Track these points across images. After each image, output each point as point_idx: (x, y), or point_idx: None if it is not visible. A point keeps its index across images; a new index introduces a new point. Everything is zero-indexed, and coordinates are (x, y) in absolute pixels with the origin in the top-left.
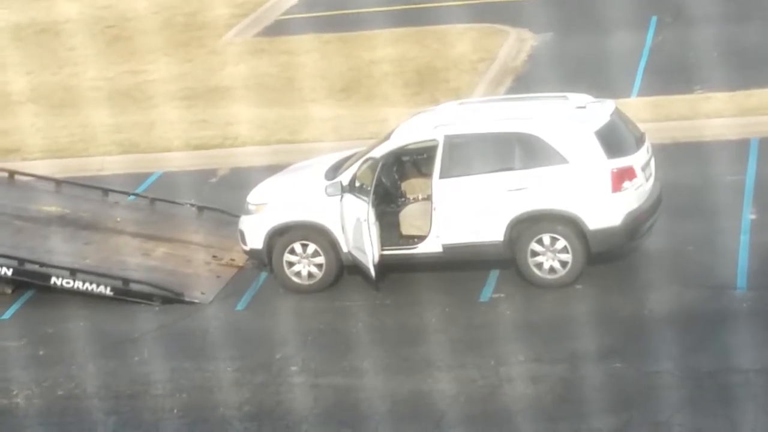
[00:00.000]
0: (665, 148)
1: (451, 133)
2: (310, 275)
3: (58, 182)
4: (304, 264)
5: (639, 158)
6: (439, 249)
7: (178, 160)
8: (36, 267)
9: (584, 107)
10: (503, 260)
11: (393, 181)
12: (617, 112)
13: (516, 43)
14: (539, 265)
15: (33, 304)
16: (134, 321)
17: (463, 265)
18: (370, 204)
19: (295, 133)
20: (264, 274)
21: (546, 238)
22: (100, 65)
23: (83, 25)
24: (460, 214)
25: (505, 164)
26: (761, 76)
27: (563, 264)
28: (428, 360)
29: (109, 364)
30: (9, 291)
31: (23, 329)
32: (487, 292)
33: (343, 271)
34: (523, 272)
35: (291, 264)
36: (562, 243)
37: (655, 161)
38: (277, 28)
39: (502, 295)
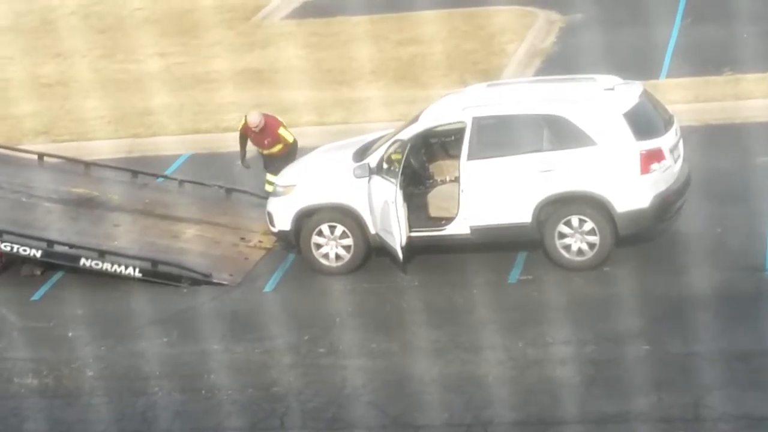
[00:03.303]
0: (694, 130)
1: (479, 114)
2: (338, 257)
3: (87, 164)
4: (331, 246)
5: (667, 140)
6: (467, 231)
7: (207, 142)
8: (65, 248)
9: (612, 89)
10: (531, 242)
11: (421, 162)
12: (645, 94)
13: (545, 25)
14: (567, 247)
15: (62, 286)
16: (163, 302)
17: (490, 246)
18: (398, 186)
19: (325, 115)
20: (292, 256)
21: (574, 220)
22: (127, 48)
23: (112, 6)
24: (488, 195)
25: (533, 146)
26: None
27: (591, 246)
28: (456, 341)
29: (138, 345)
30: (38, 272)
31: (53, 310)
32: (515, 274)
33: (371, 252)
34: (550, 254)
35: (319, 246)
36: (590, 225)
37: (684, 143)
38: (306, 11)
39: (530, 277)
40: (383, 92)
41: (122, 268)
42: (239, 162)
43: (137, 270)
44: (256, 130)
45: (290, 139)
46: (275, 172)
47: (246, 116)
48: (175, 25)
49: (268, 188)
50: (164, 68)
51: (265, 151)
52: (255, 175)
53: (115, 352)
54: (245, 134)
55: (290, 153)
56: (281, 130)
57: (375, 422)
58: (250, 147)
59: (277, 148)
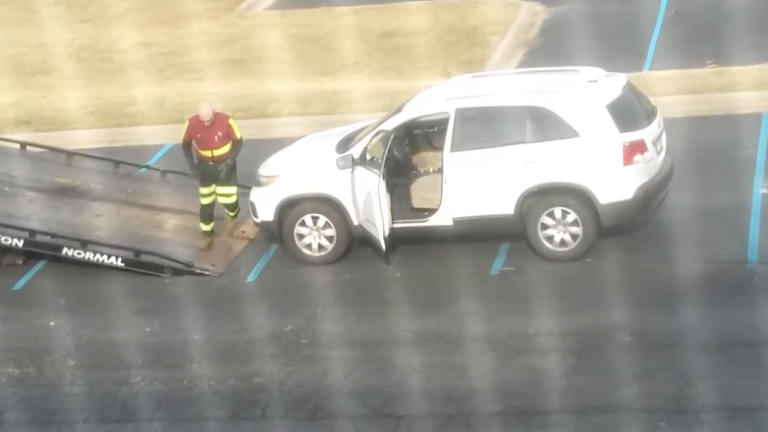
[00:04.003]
0: (677, 121)
1: (462, 106)
2: (321, 247)
3: (70, 154)
4: (314, 236)
5: (650, 132)
6: (450, 222)
7: None
8: (47, 238)
9: (596, 81)
10: (514, 233)
11: (404, 153)
12: (629, 86)
13: (528, 16)
14: (550, 238)
15: (44, 275)
16: (145, 292)
17: (473, 238)
18: (381, 177)
19: (308, 106)
20: (274, 246)
21: (557, 212)
22: (111, 37)
23: None
24: (471, 187)
25: (516, 138)
26: None
27: (574, 237)
28: (438, 332)
29: (120, 335)
30: (20, 262)
31: (35, 300)
32: (498, 265)
33: (354, 243)
34: (533, 245)
35: (302, 236)
36: (572, 216)
37: (667, 135)
38: (290, 1)
39: (513, 268)
40: (366, 83)
41: (104, 257)
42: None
43: (120, 259)
44: (207, 123)
45: (238, 135)
46: (215, 182)
47: (199, 110)
48: (159, 15)
49: (205, 201)
50: (147, 58)
51: (215, 152)
52: (241, 165)
53: (97, 342)
54: (191, 137)
55: (234, 163)
56: (231, 122)
57: (356, 413)
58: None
59: (227, 147)
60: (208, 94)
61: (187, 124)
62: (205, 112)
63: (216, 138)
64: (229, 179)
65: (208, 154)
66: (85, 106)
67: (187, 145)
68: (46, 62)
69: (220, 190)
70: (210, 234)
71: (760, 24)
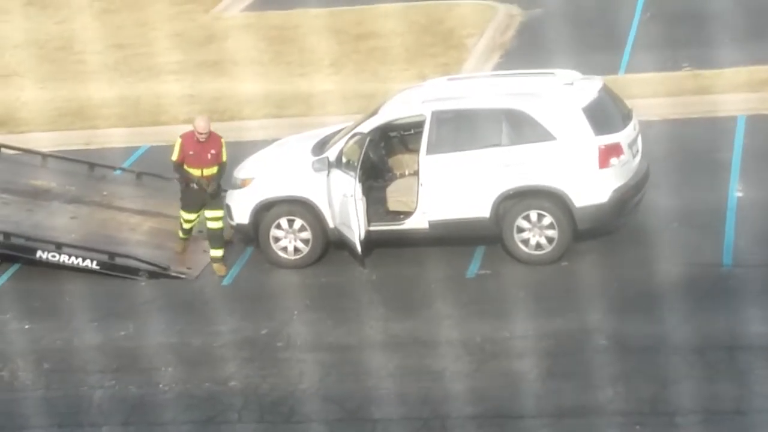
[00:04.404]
0: (652, 125)
1: (438, 108)
2: (296, 250)
3: (45, 156)
4: (290, 239)
5: (626, 135)
6: (426, 225)
7: (166, 134)
8: (22, 241)
9: (572, 84)
10: (490, 236)
11: (380, 156)
12: (605, 89)
13: (504, 19)
14: (526, 242)
15: (19, 278)
16: (120, 295)
17: (449, 241)
18: (357, 179)
19: (284, 108)
20: (250, 249)
21: (533, 215)
22: (86, 38)
23: None
24: (447, 190)
25: (492, 140)
26: (749, 54)
27: (550, 240)
28: (414, 336)
29: (95, 338)
30: None
31: (9, 303)
32: (474, 269)
33: (330, 246)
34: (509, 248)
35: (277, 239)
36: (548, 219)
37: (643, 138)
38: (265, 3)
39: (489, 271)
40: (342, 85)
41: (79, 260)
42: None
43: (95, 262)
44: (203, 138)
45: (225, 158)
46: (201, 207)
47: (196, 124)
48: (134, 17)
49: (186, 226)
50: (122, 60)
51: (206, 171)
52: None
53: (72, 345)
54: (184, 155)
55: (219, 186)
56: (223, 141)
57: (332, 416)
58: None
59: (215, 168)
60: (183, 96)
61: (178, 141)
62: (204, 125)
63: (209, 156)
64: (217, 201)
65: (197, 173)
66: (59, 108)
67: (179, 165)
68: (20, 64)
69: (209, 214)
70: (186, 239)
71: (736, 27)
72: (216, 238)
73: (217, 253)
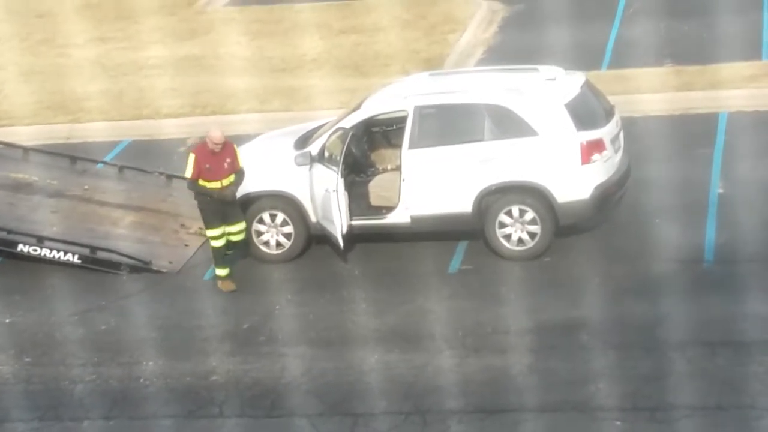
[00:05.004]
0: (634, 121)
1: (421, 103)
2: (279, 245)
3: (26, 150)
4: (272, 233)
5: (608, 131)
6: (408, 220)
7: (148, 129)
8: (3, 234)
9: (554, 79)
10: (472, 232)
11: (362, 151)
12: (587, 85)
13: (487, 15)
14: (507, 237)
15: (0, 272)
16: (101, 289)
17: (431, 236)
18: (339, 174)
19: (266, 103)
20: None
21: (515, 210)
22: (68, 32)
23: None
24: (429, 185)
25: (474, 136)
26: (731, 50)
27: (532, 236)
28: (396, 330)
29: (77, 332)
30: None
31: None
32: (456, 264)
33: (312, 240)
34: (491, 244)
35: (259, 233)
36: (530, 215)
37: (625, 134)
38: None
39: (471, 266)
40: (325, 80)
41: (61, 254)
42: (180, 148)
43: (76, 256)
44: (218, 148)
45: (242, 163)
46: (223, 221)
47: (210, 135)
48: (116, 11)
49: (217, 244)
50: (104, 54)
51: (224, 182)
52: None
53: (53, 339)
54: (199, 170)
55: (236, 194)
56: (236, 148)
57: (314, 410)
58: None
59: (233, 177)
60: (166, 90)
61: (192, 157)
62: (220, 135)
63: (225, 165)
64: (237, 212)
65: (216, 186)
66: (41, 101)
67: (195, 182)
68: (2, 56)
69: (231, 228)
70: (228, 277)
71: (717, 24)
72: (217, 253)
73: (222, 272)
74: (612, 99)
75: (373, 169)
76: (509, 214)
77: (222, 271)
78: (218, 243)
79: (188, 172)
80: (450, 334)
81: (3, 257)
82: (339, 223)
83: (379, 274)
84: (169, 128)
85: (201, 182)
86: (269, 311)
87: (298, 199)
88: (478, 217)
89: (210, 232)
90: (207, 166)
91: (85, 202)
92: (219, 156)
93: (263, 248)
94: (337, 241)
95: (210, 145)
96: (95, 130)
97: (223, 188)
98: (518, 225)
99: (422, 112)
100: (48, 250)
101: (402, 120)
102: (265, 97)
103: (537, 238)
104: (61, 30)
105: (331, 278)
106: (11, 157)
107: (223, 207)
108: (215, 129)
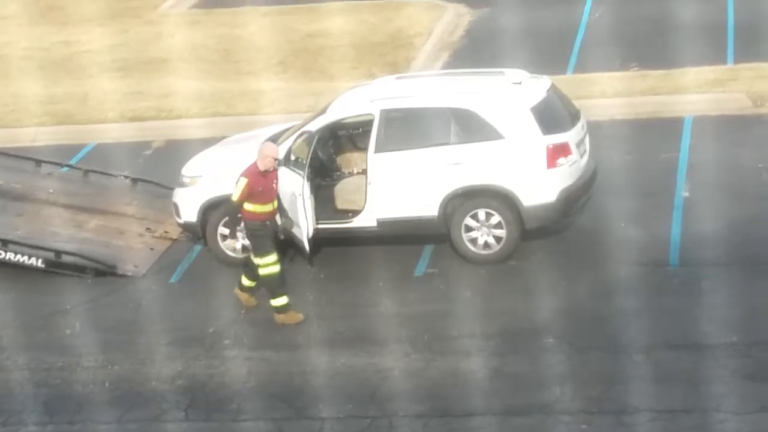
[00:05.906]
0: (600, 125)
1: (386, 107)
2: (245, 249)
3: None
4: (238, 237)
5: (574, 135)
6: (374, 223)
7: (113, 132)
8: None
9: (520, 83)
10: (438, 235)
11: (328, 155)
12: (553, 89)
13: (453, 18)
14: (473, 241)
15: None
16: (66, 293)
17: (397, 239)
18: (306, 178)
19: (231, 106)
20: (198, 247)
21: (481, 214)
22: (32, 34)
23: None
24: (395, 188)
25: (440, 139)
26: (696, 54)
27: (497, 239)
28: (362, 334)
29: (41, 336)
30: None
31: None
32: (422, 267)
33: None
34: (457, 247)
35: (225, 237)
36: (496, 218)
37: (590, 138)
38: (213, 1)
39: (436, 270)
40: (291, 83)
41: (25, 258)
42: (146, 152)
43: (40, 260)
44: (273, 167)
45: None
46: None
47: (266, 152)
48: (81, 13)
49: (276, 269)
50: (69, 56)
51: (275, 204)
52: (161, 166)
53: (17, 343)
54: (251, 195)
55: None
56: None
57: (280, 414)
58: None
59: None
60: (130, 94)
61: (244, 182)
62: (275, 151)
63: (274, 185)
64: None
65: (269, 208)
66: (5, 105)
67: (239, 206)
68: None
69: (261, 259)
70: (287, 307)
71: (683, 28)
72: (276, 281)
73: (282, 300)
74: (578, 103)
75: (339, 173)
76: (475, 217)
77: (284, 299)
78: (276, 268)
79: (236, 197)
80: (416, 337)
81: None
82: (305, 227)
83: (345, 278)
84: (133, 131)
85: (252, 206)
86: (235, 315)
87: None
88: (444, 221)
89: (267, 259)
90: (260, 189)
91: (50, 205)
92: (269, 176)
93: (229, 252)
94: (303, 244)
95: (263, 166)
96: (60, 134)
97: (273, 210)
98: (484, 229)
99: (388, 116)
100: (12, 254)
101: (368, 123)
102: (231, 100)
103: (503, 242)
104: (26, 33)
105: (296, 281)
106: None
107: (275, 229)
108: (271, 146)
